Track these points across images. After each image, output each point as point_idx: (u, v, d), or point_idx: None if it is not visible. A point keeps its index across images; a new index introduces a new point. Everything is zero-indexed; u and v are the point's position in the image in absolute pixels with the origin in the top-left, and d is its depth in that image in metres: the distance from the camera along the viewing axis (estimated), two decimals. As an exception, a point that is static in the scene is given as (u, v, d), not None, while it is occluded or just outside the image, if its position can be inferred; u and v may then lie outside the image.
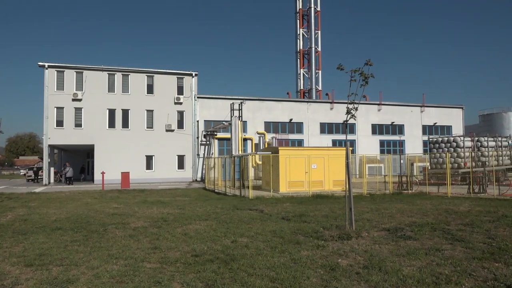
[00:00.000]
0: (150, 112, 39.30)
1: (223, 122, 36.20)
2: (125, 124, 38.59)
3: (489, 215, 12.85)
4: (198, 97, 40.53)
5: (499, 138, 32.37)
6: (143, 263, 7.41)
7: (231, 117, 31.96)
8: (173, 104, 39.71)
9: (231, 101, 35.97)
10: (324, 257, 7.63)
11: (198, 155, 40.20)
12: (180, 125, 40.00)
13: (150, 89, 39.50)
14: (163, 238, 9.74)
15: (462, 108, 50.86)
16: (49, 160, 37.81)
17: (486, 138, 31.07)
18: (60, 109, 36.98)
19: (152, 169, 39.08)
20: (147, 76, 39.55)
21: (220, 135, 40.63)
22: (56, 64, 37.06)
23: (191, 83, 40.34)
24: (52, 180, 38.68)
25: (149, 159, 39.08)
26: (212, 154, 39.74)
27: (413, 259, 7.37)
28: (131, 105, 38.68)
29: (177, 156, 39.72)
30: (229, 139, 34.92)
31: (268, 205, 16.82)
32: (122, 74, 38.80)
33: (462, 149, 28.38)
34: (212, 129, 39.48)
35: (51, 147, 38.30)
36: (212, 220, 12.68)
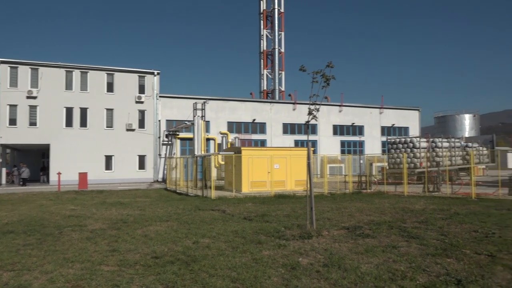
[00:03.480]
0: (110, 111, 38.25)
1: (186, 122, 35.79)
2: (83, 123, 37.35)
3: (442, 213, 13.41)
4: (160, 96, 39.89)
5: (453, 139, 33.87)
6: (100, 266, 7.20)
7: (193, 117, 31.65)
8: (134, 103, 38.86)
9: (194, 101, 35.60)
10: (285, 256, 7.70)
11: (159, 155, 39.56)
12: (141, 124, 39.20)
13: (110, 88, 38.44)
14: (122, 240, 9.51)
15: (418, 110, 52.78)
16: (0, 160, 36.04)
17: (440, 139, 32.43)
18: (13, 107, 35.31)
19: (111, 170, 38.06)
20: (107, 74, 38.47)
21: (182, 135, 40.18)
22: (9, 60, 35.36)
23: (153, 82, 39.64)
24: (3, 181, 36.86)
25: (108, 159, 38.03)
26: (174, 154, 39.23)
27: (371, 257, 7.57)
28: (89, 103, 37.49)
29: (138, 156, 38.90)
30: (191, 139, 34.55)
31: (231, 205, 16.79)
32: (80, 71, 37.54)
33: (418, 150, 29.47)
34: (174, 128, 38.97)
35: (3, 146, 36.50)
36: (173, 221, 12.51)
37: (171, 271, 6.75)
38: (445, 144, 32.03)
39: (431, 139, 31.80)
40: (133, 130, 38.58)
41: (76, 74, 37.37)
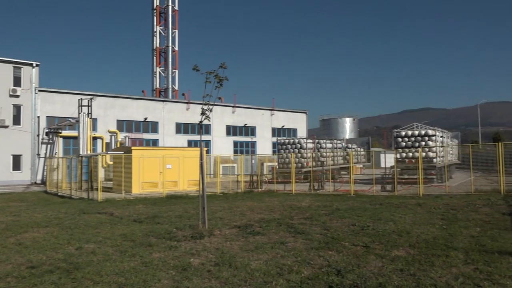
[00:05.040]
0: (-23, 104, 33.74)
1: (70, 119, 33.14)
2: None
3: (326, 209, 14.44)
4: (39, 90, 36.31)
5: (335, 141, 36.72)
6: (-38, 281, 6.31)
7: (79, 113, 29.48)
8: (7, 96, 34.80)
9: (80, 97, 33.13)
10: (177, 258, 7.58)
11: (38, 154, 36.01)
12: (17, 120, 35.27)
13: (-23, 78, 33.92)
14: (-10, 250, 8.45)
15: (306, 113, 56.15)
16: None
17: (324, 141, 34.93)
18: None
19: (-21, 171, 33.59)
20: (-26, 62, 33.88)
21: (65, 133, 37.10)
22: None
23: (31, 74, 35.96)
24: None
25: (-25, 159, 33.52)
26: (55, 154, 36.05)
27: (260, 253, 7.83)
28: (-49, 95, 32.63)
29: (12, 156, 34.90)
30: (76, 138, 32.11)
31: (119, 208, 16.02)
32: None
33: (305, 150, 31.35)
34: (56, 126, 35.80)
35: None
36: (54, 226, 11.51)
37: (50, 281, 6.20)
38: (329, 145, 34.58)
39: (317, 141, 34.06)
40: (6, 126, 34.54)
41: None
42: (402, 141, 26.25)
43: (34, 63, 36.12)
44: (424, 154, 24.29)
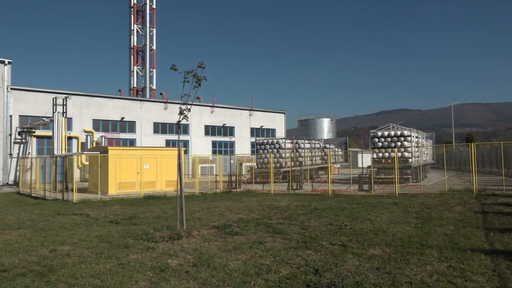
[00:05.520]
0: None
1: (44, 118, 32.33)
2: None
3: (304, 208, 14.54)
4: (12, 89, 35.29)
5: (313, 141, 36.99)
6: None
7: (53, 112, 28.80)
8: (-22, 95, 33.74)
9: (54, 95, 32.38)
10: (154, 259, 7.49)
11: (10, 155, 35.01)
12: (-12, 119, 34.23)
13: None
14: (-41, 253, 8.17)
15: (284, 113, 56.40)
16: None
17: (303, 141, 35.15)
18: None
19: None
20: None
21: (39, 132, 36.19)
22: None
23: (2, 72, 34.93)
24: None
25: None
26: (29, 154, 35.13)
27: (239, 253, 7.82)
28: None
29: (-17, 156, 33.87)
30: (50, 137, 31.37)
31: (95, 209, 15.74)
32: None
33: (284, 150, 31.47)
34: (29, 125, 34.87)
35: None
36: (27, 228, 11.22)
37: (23, 285, 6.04)
38: (307, 146, 34.81)
39: (295, 141, 34.24)
40: (-24, 126, 33.47)
41: None
42: (379, 141, 26.67)
43: (6, 61, 35.10)
44: (400, 154, 24.74)
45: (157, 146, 38.27)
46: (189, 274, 6.55)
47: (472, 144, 20.17)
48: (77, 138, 37.49)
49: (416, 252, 7.66)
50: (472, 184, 18.97)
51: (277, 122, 55.19)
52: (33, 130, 35.82)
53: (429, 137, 37.80)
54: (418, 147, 27.70)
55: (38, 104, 36.21)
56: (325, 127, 72.23)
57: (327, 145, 40.22)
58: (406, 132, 26.39)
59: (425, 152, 31.64)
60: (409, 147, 25.64)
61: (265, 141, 33.33)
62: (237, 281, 6.14)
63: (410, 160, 25.49)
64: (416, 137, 28.16)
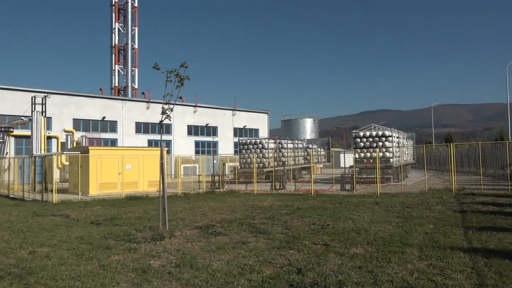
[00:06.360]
0: None
1: (22, 118, 31.64)
2: None
3: (287, 208, 14.58)
4: (-11, 87, 34.48)
5: (296, 141, 37.16)
6: None
7: (32, 112, 28.23)
8: (-47, 93, 32.83)
9: (33, 94, 31.75)
10: (136, 260, 7.42)
11: (-12, 155, 34.20)
12: (-36, 119, 33.34)
13: None
14: None
15: (267, 113, 56.50)
16: None
17: (286, 141, 35.27)
18: None
19: None
20: None
21: (17, 132, 35.41)
22: None
23: (-21, 70, 34.10)
24: None
25: None
26: (6, 154, 34.35)
27: (222, 254, 7.79)
28: None
29: (-42, 156, 32.97)
30: (29, 137, 30.74)
31: (76, 210, 15.49)
32: None
33: (267, 150, 31.53)
34: (7, 125, 34.09)
35: None
36: (4, 230, 10.97)
37: (0, 288, 5.89)
38: (290, 146, 34.95)
39: (278, 141, 34.34)
40: (-48, 125, 32.56)
41: None
42: (361, 142, 26.96)
43: (-17, 58, 34.26)
44: (381, 154, 25.06)
45: (139, 146, 37.88)
46: (171, 275, 6.50)
47: (451, 144, 20.56)
48: (56, 138, 36.83)
49: (397, 250, 7.76)
50: (451, 184, 19.34)
51: (260, 122, 55.25)
52: (11, 130, 35.03)
53: (410, 137, 38.40)
54: (399, 147, 28.11)
55: (16, 103, 35.44)
56: (308, 127, 72.62)
57: (310, 145, 40.46)
58: (387, 133, 26.75)
59: (406, 152, 32.13)
60: (390, 147, 25.99)
61: (248, 141, 33.32)
62: (220, 281, 6.13)
63: (391, 160, 25.85)
64: (397, 137, 28.57)
